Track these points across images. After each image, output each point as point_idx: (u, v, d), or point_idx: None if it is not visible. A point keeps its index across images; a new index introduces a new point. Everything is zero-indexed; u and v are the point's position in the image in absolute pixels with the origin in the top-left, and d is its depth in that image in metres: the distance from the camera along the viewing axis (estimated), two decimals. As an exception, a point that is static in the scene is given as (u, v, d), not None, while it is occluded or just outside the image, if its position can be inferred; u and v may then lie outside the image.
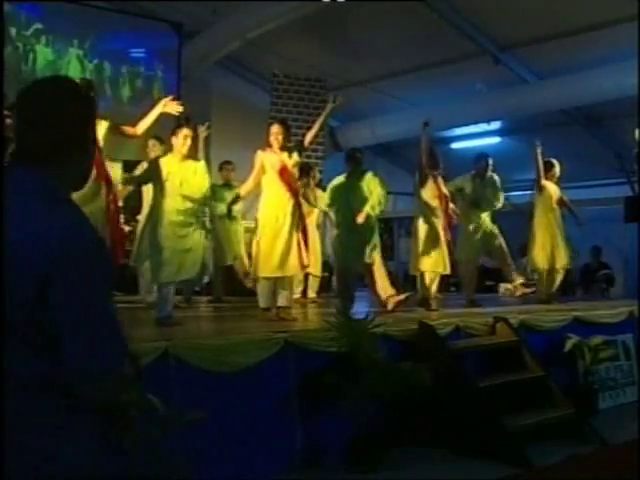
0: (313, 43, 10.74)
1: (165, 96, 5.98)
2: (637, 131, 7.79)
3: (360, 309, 6.15)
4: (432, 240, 6.81)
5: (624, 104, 9.10)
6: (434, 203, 6.92)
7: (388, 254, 14.02)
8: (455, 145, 12.77)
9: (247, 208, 8.00)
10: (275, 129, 5.70)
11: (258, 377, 4.22)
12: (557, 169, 7.85)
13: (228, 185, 7.59)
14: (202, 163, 5.49)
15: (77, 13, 9.47)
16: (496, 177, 7.61)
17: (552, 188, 7.83)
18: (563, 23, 9.28)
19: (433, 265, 6.88)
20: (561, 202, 7.85)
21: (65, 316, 1.41)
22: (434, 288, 6.96)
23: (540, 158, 7.67)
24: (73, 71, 9.27)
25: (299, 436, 4.37)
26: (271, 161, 5.67)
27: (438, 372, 4.59)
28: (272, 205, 5.61)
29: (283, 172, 5.63)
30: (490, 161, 7.57)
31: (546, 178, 7.84)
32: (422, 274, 6.97)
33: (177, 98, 5.86)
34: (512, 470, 4.41)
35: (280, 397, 4.36)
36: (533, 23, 9.43)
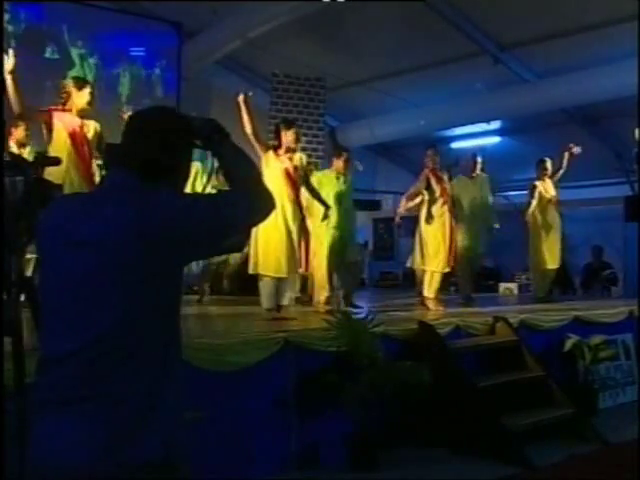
0: (313, 43, 10.72)
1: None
2: (637, 131, 7.79)
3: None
4: (436, 238, 6.83)
5: (624, 104, 9.09)
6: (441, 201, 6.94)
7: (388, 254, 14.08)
8: (455, 145, 12.76)
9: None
10: (291, 135, 5.78)
11: (258, 376, 4.22)
12: (549, 164, 7.90)
13: None
14: None
15: (77, 13, 9.47)
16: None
17: (547, 187, 7.84)
18: (563, 23, 9.27)
19: (436, 264, 6.87)
20: (556, 201, 7.88)
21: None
22: (435, 287, 6.95)
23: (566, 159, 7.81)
24: (73, 71, 9.26)
25: (299, 436, 4.36)
26: (276, 162, 5.73)
27: (438, 372, 4.59)
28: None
29: (287, 173, 5.70)
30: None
31: (541, 177, 7.86)
32: (423, 273, 6.98)
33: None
34: (512, 470, 4.41)
35: (280, 396, 4.35)
36: (533, 23, 9.42)
